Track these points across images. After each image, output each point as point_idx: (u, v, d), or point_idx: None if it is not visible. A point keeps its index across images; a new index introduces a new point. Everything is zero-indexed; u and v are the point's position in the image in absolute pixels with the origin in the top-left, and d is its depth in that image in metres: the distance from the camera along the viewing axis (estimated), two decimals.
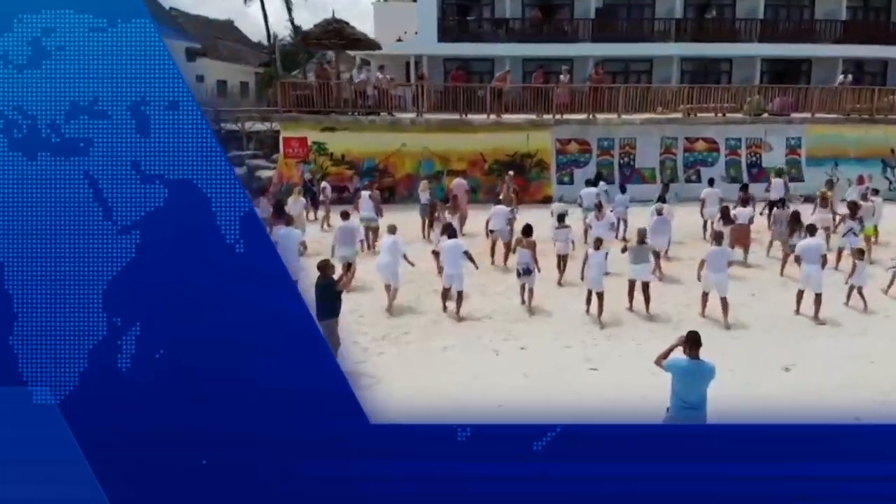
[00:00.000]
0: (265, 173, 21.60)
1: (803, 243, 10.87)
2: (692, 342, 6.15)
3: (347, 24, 19.98)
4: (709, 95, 20.77)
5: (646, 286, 10.66)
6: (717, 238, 10.91)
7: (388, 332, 10.26)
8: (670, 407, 6.16)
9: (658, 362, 6.31)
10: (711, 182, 16.08)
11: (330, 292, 8.41)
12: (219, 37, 46.56)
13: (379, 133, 20.07)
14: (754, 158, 20.76)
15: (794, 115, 21.36)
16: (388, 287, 11.11)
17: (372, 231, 14.28)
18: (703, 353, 6.14)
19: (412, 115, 20.07)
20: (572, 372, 8.93)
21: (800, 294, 10.86)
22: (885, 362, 9.04)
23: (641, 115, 20.34)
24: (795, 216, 12.83)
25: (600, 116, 20.32)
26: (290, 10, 37.02)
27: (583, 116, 20.20)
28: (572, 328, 10.42)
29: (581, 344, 9.83)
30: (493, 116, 20.07)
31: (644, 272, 10.64)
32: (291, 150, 20.38)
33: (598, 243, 10.75)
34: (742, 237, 13.56)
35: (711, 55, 25.80)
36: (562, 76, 20.75)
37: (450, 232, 11.43)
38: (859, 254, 11.40)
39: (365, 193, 15.39)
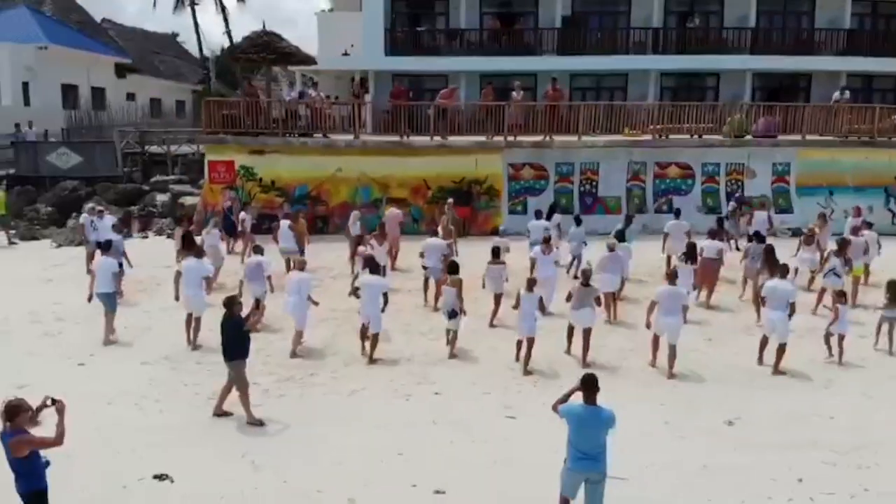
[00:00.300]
0: (189, 200, 21.38)
1: (770, 284, 10.84)
2: (587, 386, 6.08)
3: (278, 36, 20.05)
4: (683, 114, 20.80)
5: (587, 333, 10.52)
6: (671, 277, 10.81)
7: (294, 374, 10.18)
8: (566, 458, 6.09)
9: (555, 408, 6.22)
10: (678, 213, 16.00)
11: (237, 331, 8.55)
12: (157, 51, 46.79)
13: (312, 156, 20.05)
14: (735, 186, 20.85)
15: (782, 137, 21.12)
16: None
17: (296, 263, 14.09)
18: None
19: (348, 138, 19.98)
20: (486, 418, 8.75)
21: (763, 341, 10.80)
22: (844, 418, 8.92)
23: (605, 137, 20.43)
24: (769, 251, 12.80)
25: (558, 139, 20.37)
26: (226, 20, 36.95)
27: (538, 138, 20.21)
28: (496, 373, 10.34)
29: (503, 390, 9.67)
30: (437, 138, 20.05)
31: (586, 318, 10.52)
32: (217, 174, 20.23)
33: (531, 284, 10.63)
34: (708, 274, 13.53)
35: (695, 69, 25.28)
36: (514, 93, 20.79)
37: (371, 266, 11.30)
38: (840, 297, 11.33)
39: (284, 223, 15.33)
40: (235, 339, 8.54)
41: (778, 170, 21.10)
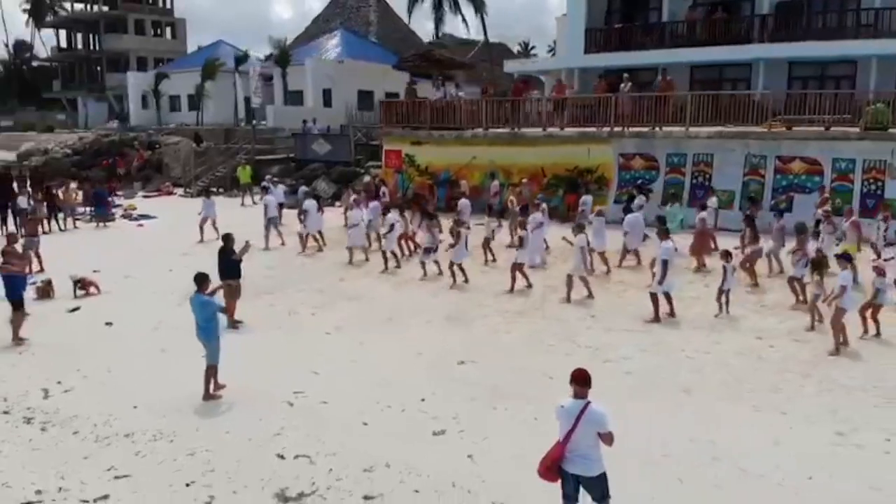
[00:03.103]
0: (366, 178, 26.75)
1: None
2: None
3: (440, 45, 24.02)
4: (804, 104, 18.56)
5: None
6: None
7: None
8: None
9: None
10: (627, 211, 15.68)
11: (228, 258, 12.00)
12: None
13: (454, 147, 23.58)
14: (874, 187, 17.93)
15: None
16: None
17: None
18: None
19: (479, 130, 22.99)
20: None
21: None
22: None
23: (714, 128, 19.56)
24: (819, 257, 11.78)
25: (667, 129, 20.23)
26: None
27: (644, 129, 20.41)
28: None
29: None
30: (552, 129, 21.72)
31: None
32: (390, 160, 25.36)
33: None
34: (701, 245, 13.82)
35: None
36: (622, 85, 21.08)
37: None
38: None
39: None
40: (228, 264, 12.11)
41: None
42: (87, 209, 23.68)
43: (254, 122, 33.98)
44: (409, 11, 40.56)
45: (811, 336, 11.13)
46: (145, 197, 29.58)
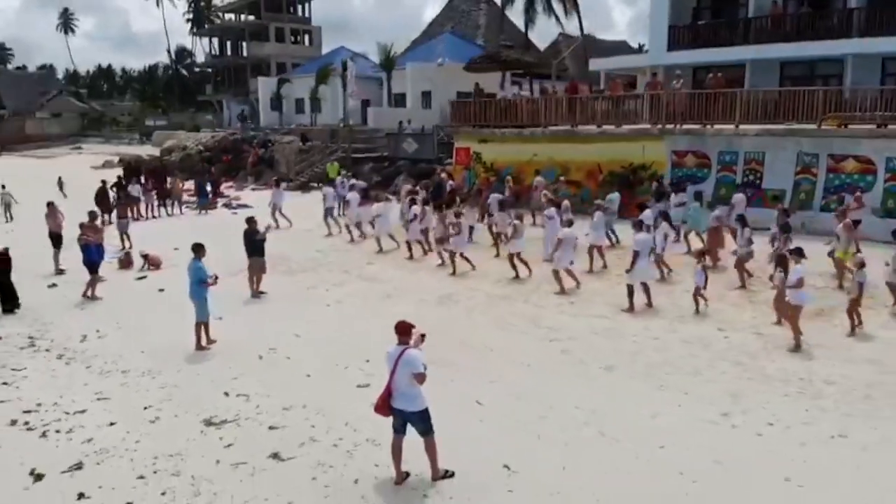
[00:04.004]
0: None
1: None
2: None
3: (508, 47, 24.97)
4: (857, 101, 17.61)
5: None
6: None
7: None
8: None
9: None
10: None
11: (252, 239, 14.14)
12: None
13: (516, 144, 24.43)
14: None
15: None
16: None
17: None
18: None
19: (539, 128, 23.68)
20: None
21: None
22: None
23: (764, 126, 19.05)
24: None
25: (717, 127, 19.95)
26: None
27: (695, 126, 20.23)
28: None
29: None
30: (607, 126, 22.02)
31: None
32: (459, 157, 26.63)
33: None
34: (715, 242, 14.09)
35: None
36: (674, 82, 20.87)
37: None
38: None
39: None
40: (252, 243, 14.36)
41: None
42: (194, 199, 27.00)
43: (350, 122, 36.51)
44: (502, 13, 41.53)
45: (775, 330, 11.19)
46: (253, 189, 32.82)
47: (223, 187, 31.51)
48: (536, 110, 23.87)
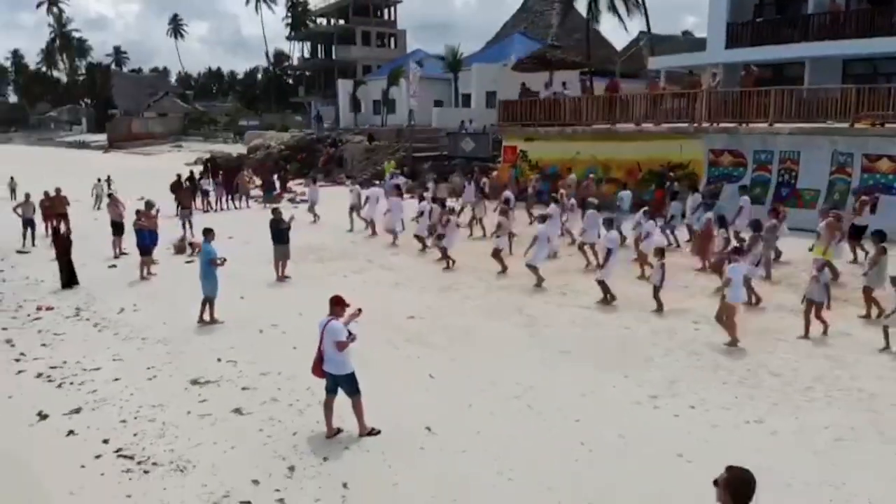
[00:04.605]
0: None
1: None
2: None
3: (554, 47, 25.43)
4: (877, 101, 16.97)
5: None
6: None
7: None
8: None
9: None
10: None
11: (278, 227, 15.78)
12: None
13: (560, 143, 24.87)
14: None
15: None
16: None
17: None
18: None
19: (581, 127, 24.02)
20: None
21: None
22: None
23: (796, 125, 18.66)
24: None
25: (756, 125, 19.68)
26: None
27: (731, 125, 20.04)
28: None
29: None
30: (646, 125, 22.12)
31: None
32: (507, 156, 27.31)
33: None
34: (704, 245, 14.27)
35: None
36: (710, 80, 20.66)
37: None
38: None
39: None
40: (277, 232, 15.85)
41: None
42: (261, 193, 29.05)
43: (414, 122, 37.78)
44: (563, 14, 41.61)
45: (748, 325, 11.36)
46: (321, 186, 34.71)
47: (293, 184, 33.56)
48: (579, 109, 24.23)
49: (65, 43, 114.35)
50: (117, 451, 7.74)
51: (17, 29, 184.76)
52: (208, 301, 12.22)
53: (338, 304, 7.86)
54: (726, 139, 20.50)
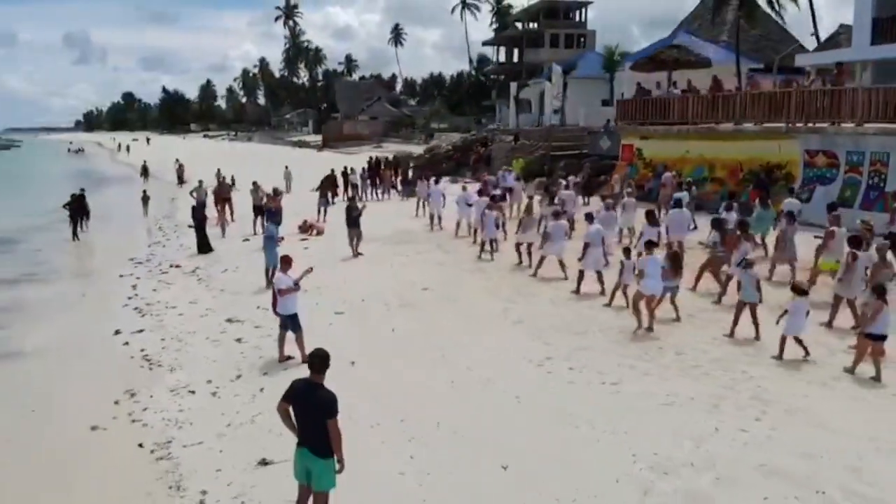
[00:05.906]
0: None
1: None
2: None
3: (677, 48, 25.60)
4: None
5: None
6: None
7: None
8: None
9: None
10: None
11: (352, 214, 19.39)
12: None
13: (671, 141, 25.02)
14: None
15: None
16: None
17: None
18: None
19: (687, 126, 24.00)
20: None
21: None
22: None
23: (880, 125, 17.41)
24: None
25: (845, 126, 18.66)
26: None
27: (824, 125, 19.14)
28: None
29: None
30: (748, 124, 21.72)
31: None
32: (625, 154, 27.87)
33: None
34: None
35: None
36: (803, 79, 19.58)
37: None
38: None
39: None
40: (350, 218, 18.55)
41: None
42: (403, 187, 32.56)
43: (557, 122, 39.08)
44: (715, 8, 39.58)
45: (705, 317, 11.93)
46: (456, 182, 37.60)
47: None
48: (686, 108, 24.29)
49: (297, 52, 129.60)
50: (143, 352, 11.15)
51: (270, 39, 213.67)
52: (269, 269, 15.38)
53: (285, 262, 10.43)
54: (821, 139, 19.61)
